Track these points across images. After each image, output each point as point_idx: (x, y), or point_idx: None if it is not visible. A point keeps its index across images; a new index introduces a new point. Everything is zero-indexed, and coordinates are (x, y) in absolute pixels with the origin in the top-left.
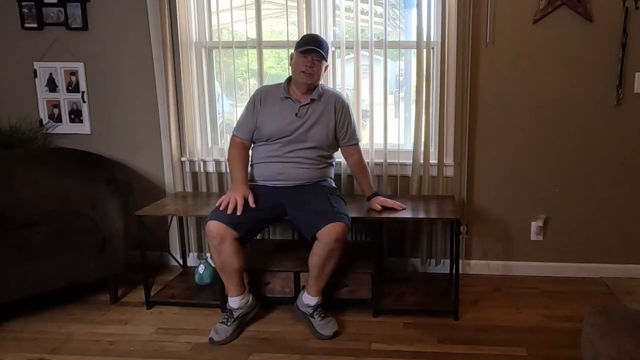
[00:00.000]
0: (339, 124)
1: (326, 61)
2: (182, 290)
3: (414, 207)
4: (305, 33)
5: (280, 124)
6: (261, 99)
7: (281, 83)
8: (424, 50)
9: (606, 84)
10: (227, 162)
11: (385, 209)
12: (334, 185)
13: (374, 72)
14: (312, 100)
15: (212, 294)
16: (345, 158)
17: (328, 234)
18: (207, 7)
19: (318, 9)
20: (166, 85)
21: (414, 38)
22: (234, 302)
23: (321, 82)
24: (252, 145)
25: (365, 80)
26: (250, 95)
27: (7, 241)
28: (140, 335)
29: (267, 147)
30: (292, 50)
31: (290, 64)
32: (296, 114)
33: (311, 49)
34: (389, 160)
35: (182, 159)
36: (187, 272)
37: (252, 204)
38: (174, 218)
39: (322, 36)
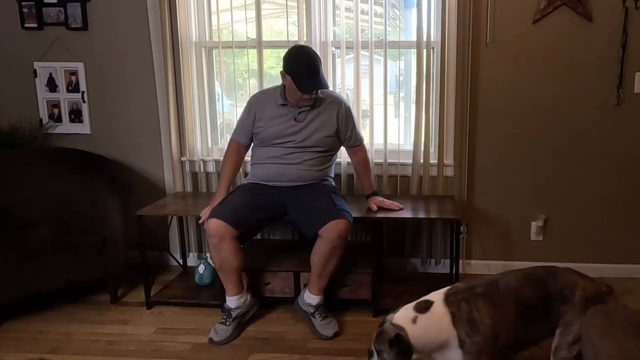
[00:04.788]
0: (342, 129)
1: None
2: (182, 290)
3: (414, 207)
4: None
5: (279, 130)
6: (257, 107)
7: (277, 87)
8: (424, 50)
9: (606, 84)
10: None
11: (381, 209)
12: (333, 184)
13: (374, 72)
14: (312, 106)
15: (212, 294)
16: (350, 156)
17: (331, 231)
18: (207, 7)
19: (318, 9)
20: (166, 85)
21: (414, 38)
22: (231, 301)
23: None
24: (252, 145)
25: (365, 80)
26: (250, 96)
27: (7, 241)
28: (140, 335)
29: (267, 149)
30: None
31: (283, 80)
32: (295, 119)
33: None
34: (389, 160)
35: (182, 159)
36: (187, 272)
37: None
38: (174, 218)
39: (319, 35)
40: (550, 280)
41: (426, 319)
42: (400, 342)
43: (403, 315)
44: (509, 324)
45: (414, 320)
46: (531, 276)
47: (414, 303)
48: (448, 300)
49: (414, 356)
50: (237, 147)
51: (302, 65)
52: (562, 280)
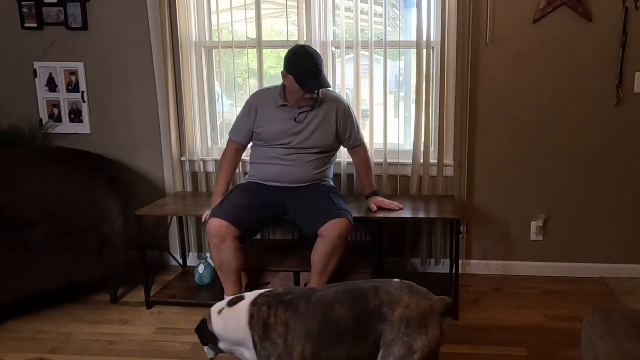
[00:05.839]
0: (341, 130)
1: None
2: (182, 290)
3: (414, 207)
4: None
5: (279, 130)
6: (257, 107)
7: (277, 87)
8: (424, 50)
9: (606, 84)
10: None
11: (381, 209)
12: (333, 184)
13: (374, 72)
14: (312, 107)
15: (212, 294)
16: (351, 156)
17: (331, 231)
18: (207, 7)
19: (318, 9)
20: (166, 85)
21: (414, 38)
22: None
23: None
24: (252, 144)
25: (365, 80)
26: (249, 96)
27: (7, 241)
28: (140, 335)
29: (267, 149)
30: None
31: (284, 81)
32: (295, 120)
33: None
34: (389, 160)
35: (182, 158)
36: (187, 272)
37: None
38: (174, 218)
39: (319, 35)
40: (370, 297)
41: (228, 314)
42: (200, 329)
43: (218, 305)
44: (309, 339)
45: (220, 312)
46: (352, 292)
47: (235, 296)
48: (256, 300)
49: (223, 345)
50: (236, 148)
51: (305, 64)
52: (383, 297)
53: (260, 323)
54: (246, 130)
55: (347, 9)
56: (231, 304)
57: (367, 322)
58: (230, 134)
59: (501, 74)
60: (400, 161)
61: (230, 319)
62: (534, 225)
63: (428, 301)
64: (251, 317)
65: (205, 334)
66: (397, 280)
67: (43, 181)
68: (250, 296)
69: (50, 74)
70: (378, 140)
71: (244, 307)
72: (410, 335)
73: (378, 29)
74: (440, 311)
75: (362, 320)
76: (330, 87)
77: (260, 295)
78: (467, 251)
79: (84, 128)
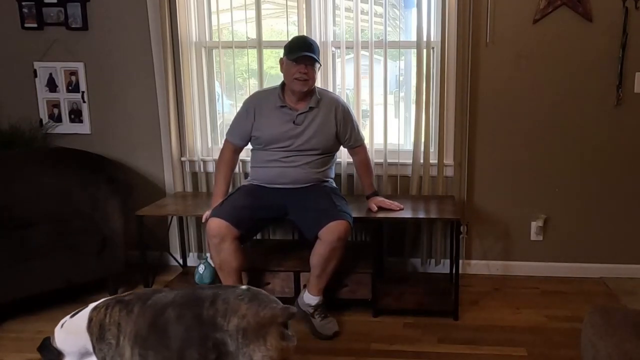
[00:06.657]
0: (341, 131)
1: (319, 63)
2: None
3: (414, 207)
4: (301, 34)
5: (277, 133)
6: (255, 109)
7: (276, 88)
8: (424, 50)
9: (606, 84)
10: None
11: (381, 209)
12: (334, 185)
13: (374, 72)
14: (311, 108)
15: None
16: (351, 156)
17: (330, 233)
18: (207, 7)
19: (318, 9)
20: (166, 85)
21: (414, 38)
22: None
23: (319, 85)
24: (251, 148)
25: (365, 80)
26: (247, 98)
27: (7, 241)
28: None
29: (266, 152)
30: (281, 55)
31: (281, 69)
32: (294, 122)
33: (303, 56)
34: (389, 160)
35: (182, 159)
36: (187, 272)
37: None
38: (174, 218)
39: (319, 35)
40: (205, 305)
41: (69, 324)
42: (42, 348)
43: (62, 320)
44: (137, 342)
45: (62, 325)
46: (190, 297)
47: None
48: (98, 304)
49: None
50: (233, 149)
51: (296, 40)
52: (219, 307)
53: (97, 325)
54: (243, 132)
55: (347, 9)
56: (73, 314)
57: (199, 329)
58: (227, 134)
59: (501, 74)
60: (400, 161)
61: (71, 328)
62: (534, 225)
63: (270, 310)
64: (90, 320)
65: (47, 351)
66: (243, 287)
67: (43, 181)
68: (95, 303)
69: (50, 74)
70: (378, 140)
71: (84, 313)
72: (249, 346)
73: (378, 29)
74: (283, 320)
75: (194, 327)
76: (319, 62)
77: (105, 299)
78: (467, 251)
79: (84, 128)
